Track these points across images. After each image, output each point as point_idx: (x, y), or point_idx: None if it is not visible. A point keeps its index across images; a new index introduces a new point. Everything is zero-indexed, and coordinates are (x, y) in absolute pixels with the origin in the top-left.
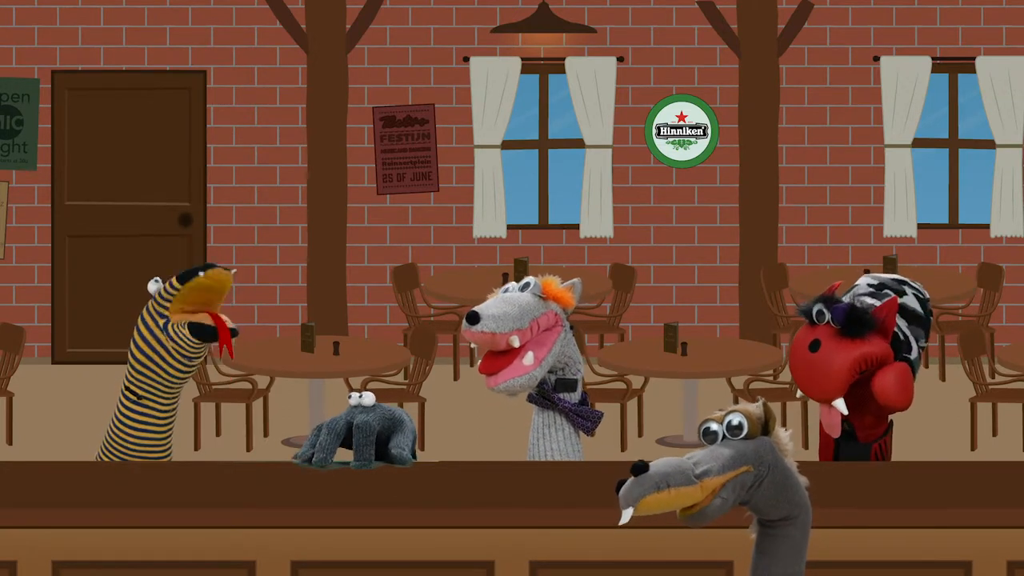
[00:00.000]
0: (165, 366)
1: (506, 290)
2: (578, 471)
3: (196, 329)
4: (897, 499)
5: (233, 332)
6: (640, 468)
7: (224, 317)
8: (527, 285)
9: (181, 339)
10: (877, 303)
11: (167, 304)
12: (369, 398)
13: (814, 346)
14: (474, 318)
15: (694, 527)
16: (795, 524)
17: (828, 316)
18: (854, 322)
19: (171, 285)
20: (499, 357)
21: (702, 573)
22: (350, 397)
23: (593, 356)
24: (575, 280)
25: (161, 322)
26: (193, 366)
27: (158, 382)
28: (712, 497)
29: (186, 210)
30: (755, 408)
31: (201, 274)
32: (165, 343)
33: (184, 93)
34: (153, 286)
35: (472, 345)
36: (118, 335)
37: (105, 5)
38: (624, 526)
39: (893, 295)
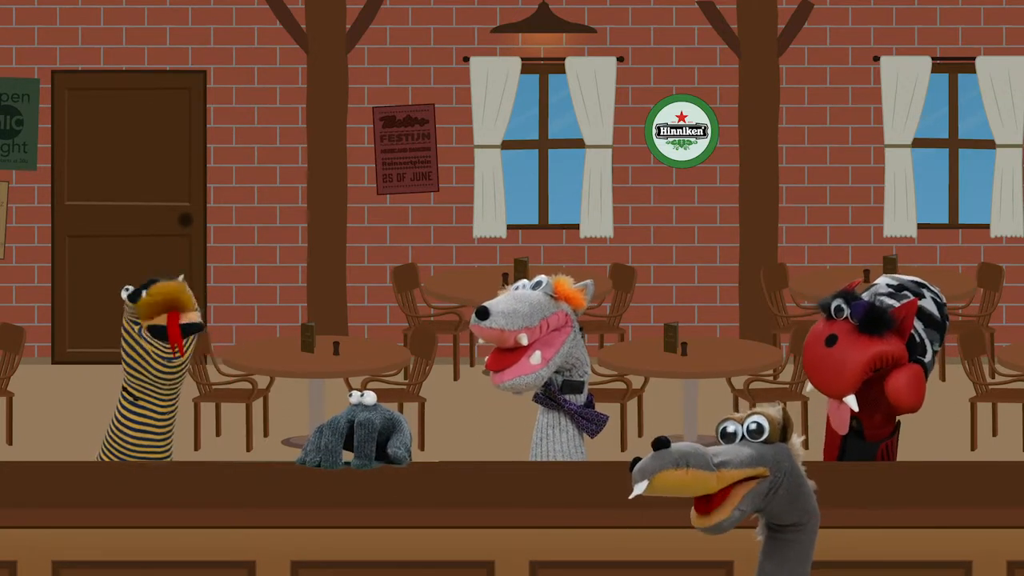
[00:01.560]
0: (149, 368)
1: (517, 288)
2: (578, 471)
3: (153, 330)
4: (897, 499)
5: (195, 327)
6: (662, 443)
7: (189, 314)
8: (539, 284)
9: (152, 342)
10: (896, 304)
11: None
12: (370, 397)
13: (830, 341)
14: (484, 313)
15: (711, 535)
16: (804, 530)
17: (847, 312)
18: (873, 320)
19: (127, 305)
20: (506, 354)
21: (702, 573)
22: (351, 396)
23: (593, 356)
24: (588, 281)
25: (136, 328)
26: (175, 367)
27: (148, 383)
28: (731, 509)
29: (186, 210)
30: (775, 413)
31: (144, 293)
32: (145, 346)
33: (184, 93)
34: (124, 294)
35: (480, 342)
36: (118, 335)
37: (105, 5)
38: (624, 526)
39: (913, 297)
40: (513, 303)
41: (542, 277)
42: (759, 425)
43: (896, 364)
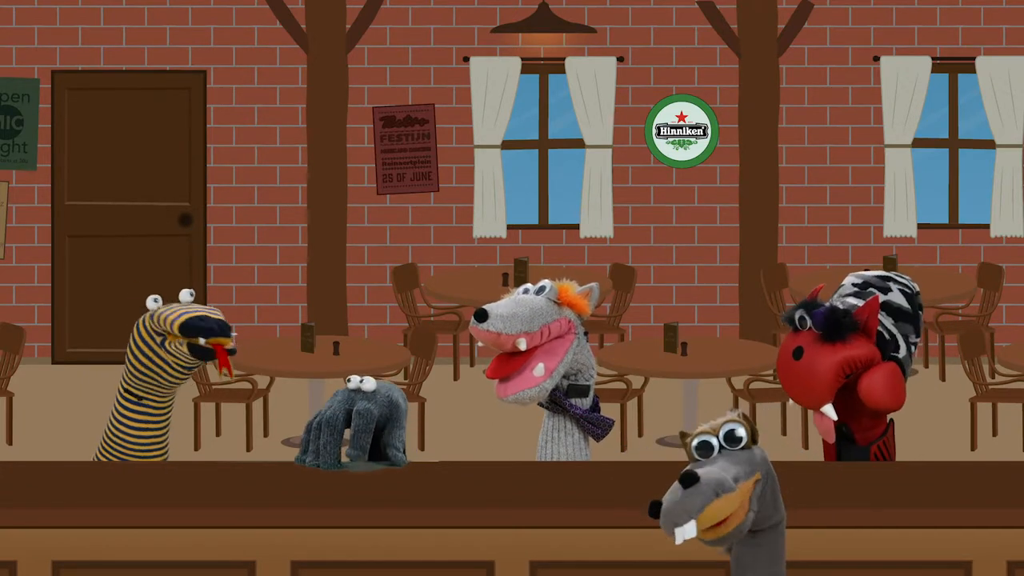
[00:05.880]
0: (165, 374)
1: (525, 291)
2: (578, 471)
3: (195, 350)
4: (897, 499)
5: (231, 351)
6: (691, 478)
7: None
8: (542, 289)
9: (180, 355)
10: (861, 303)
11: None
12: (369, 383)
13: (797, 353)
14: (482, 316)
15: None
16: (778, 528)
17: (809, 322)
18: (833, 326)
19: (171, 328)
20: (507, 363)
21: (702, 573)
22: (349, 380)
23: (593, 356)
24: (592, 284)
25: (159, 339)
26: (192, 371)
27: (159, 385)
28: (743, 514)
29: (186, 210)
30: (740, 418)
31: (203, 341)
32: (164, 356)
33: (184, 93)
34: (152, 304)
35: (479, 344)
36: (118, 335)
37: (105, 5)
38: (624, 526)
39: (876, 293)
40: (513, 307)
41: (546, 282)
42: (741, 434)
43: (867, 366)
